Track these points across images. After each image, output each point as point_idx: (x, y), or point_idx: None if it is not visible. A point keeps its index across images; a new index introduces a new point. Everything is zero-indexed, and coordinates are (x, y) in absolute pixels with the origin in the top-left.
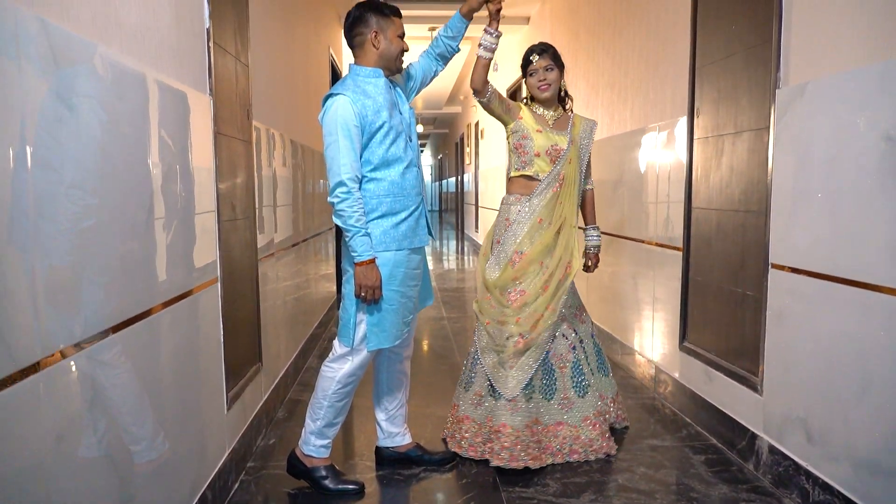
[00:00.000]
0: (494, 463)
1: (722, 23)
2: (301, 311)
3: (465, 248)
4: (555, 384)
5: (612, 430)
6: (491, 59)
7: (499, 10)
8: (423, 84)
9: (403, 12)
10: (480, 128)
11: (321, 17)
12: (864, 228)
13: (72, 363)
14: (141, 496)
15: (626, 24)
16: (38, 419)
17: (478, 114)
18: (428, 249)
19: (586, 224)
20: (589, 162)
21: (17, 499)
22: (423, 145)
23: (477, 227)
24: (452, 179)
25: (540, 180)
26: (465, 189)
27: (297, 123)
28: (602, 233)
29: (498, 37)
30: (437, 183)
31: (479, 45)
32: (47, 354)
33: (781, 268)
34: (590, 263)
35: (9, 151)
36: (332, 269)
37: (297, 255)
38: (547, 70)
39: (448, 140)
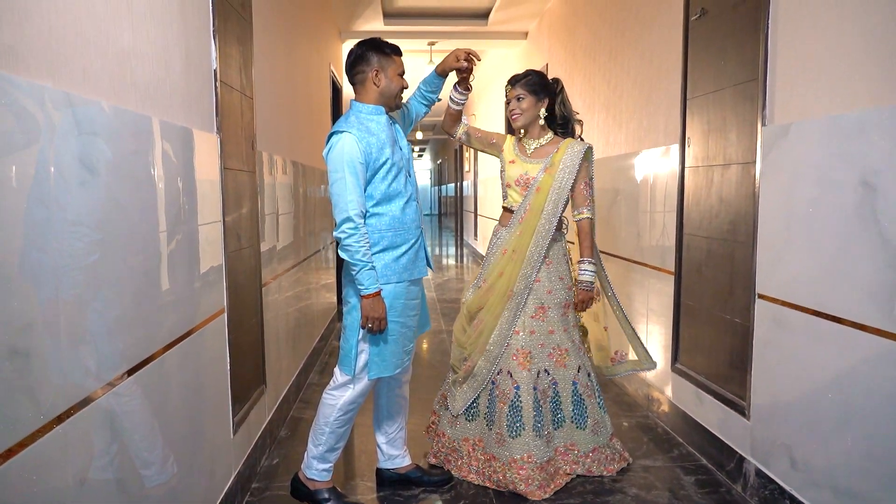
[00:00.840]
0: (430, 459)
1: (712, 57)
2: (303, 325)
3: (464, 255)
4: (493, 417)
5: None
6: (459, 112)
7: (465, 79)
8: (417, 121)
9: (403, 28)
10: None
11: (322, 35)
12: (844, 268)
13: (91, 408)
14: None
15: (620, 50)
16: (63, 467)
17: (477, 123)
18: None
19: (581, 257)
20: (584, 189)
21: None
22: (422, 150)
23: (476, 234)
24: (451, 185)
25: (515, 211)
26: (465, 194)
27: (299, 145)
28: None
29: (466, 94)
30: (437, 188)
31: (450, 98)
32: (71, 405)
33: (768, 299)
34: (578, 300)
35: (25, 197)
36: (332, 279)
37: (299, 270)
38: (518, 99)
39: (448, 145)
